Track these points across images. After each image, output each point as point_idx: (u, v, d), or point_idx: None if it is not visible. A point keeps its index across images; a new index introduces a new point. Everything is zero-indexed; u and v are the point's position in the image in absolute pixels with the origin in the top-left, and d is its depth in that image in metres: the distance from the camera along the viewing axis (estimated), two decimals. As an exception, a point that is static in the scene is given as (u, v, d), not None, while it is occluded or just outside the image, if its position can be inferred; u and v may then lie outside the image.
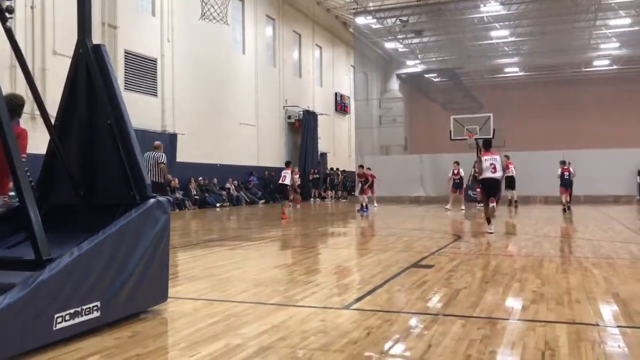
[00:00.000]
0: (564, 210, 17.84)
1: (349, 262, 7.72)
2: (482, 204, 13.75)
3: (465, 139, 25.49)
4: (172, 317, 4.30)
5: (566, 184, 18.40)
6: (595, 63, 37.58)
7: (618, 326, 3.94)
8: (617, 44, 33.97)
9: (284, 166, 17.16)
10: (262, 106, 27.03)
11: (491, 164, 10.46)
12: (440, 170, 26.78)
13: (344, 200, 28.91)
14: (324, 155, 32.81)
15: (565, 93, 38.51)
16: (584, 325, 3.96)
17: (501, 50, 36.28)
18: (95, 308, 3.67)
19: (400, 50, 36.77)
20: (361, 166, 20.58)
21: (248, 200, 24.62)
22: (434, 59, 37.99)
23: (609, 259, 7.20)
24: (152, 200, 4.28)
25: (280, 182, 16.79)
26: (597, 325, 4.00)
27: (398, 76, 39.65)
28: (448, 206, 19.38)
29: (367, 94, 37.14)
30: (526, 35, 33.51)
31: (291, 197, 17.24)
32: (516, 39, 33.88)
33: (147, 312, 4.27)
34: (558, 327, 3.87)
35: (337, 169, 32.23)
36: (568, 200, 18.44)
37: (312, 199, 28.05)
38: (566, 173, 18.44)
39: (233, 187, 24.17)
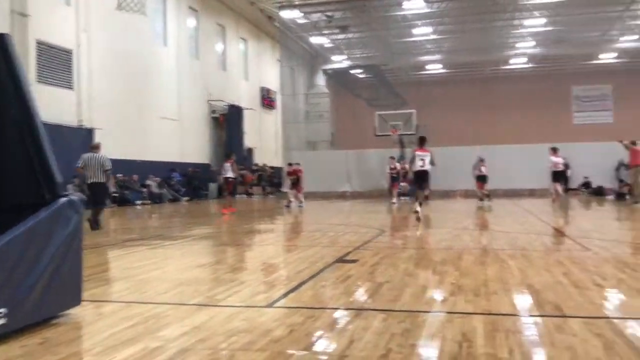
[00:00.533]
0: (481, 200, 19.60)
1: (275, 259, 7.71)
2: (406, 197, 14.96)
3: (390, 135, 26.08)
4: (87, 321, 4.14)
5: (483, 178, 19.77)
6: (512, 61, 39.36)
7: (531, 315, 4.14)
8: (532, 43, 35.73)
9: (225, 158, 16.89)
10: (184, 100, 26.48)
11: (421, 159, 12.38)
12: (366, 166, 27.25)
13: (272, 196, 28.85)
14: (250, 150, 32.59)
15: (484, 90, 40.13)
16: (500, 315, 4.13)
17: (424, 48, 37.29)
18: (1, 315, 3.47)
19: (326, 45, 37.04)
20: (290, 164, 20.67)
21: (171, 197, 24.10)
22: (359, 55, 38.53)
23: (524, 250, 7.55)
24: (63, 199, 4.09)
25: (223, 176, 16.53)
26: (512, 315, 4.18)
27: (324, 71, 39.93)
28: (393, 200, 20.21)
29: (294, 89, 37.14)
30: (447, 33, 34.58)
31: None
32: (438, 37, 34.90)
33: (60, 317, 4.09)
34: (475, 318, 4.02)
35: (265, 164, 32.07)
36: (486, 192, 19.72)
37: (237, 195, 27.75)
38: (484, 168, 19.85)
39: (155, 184, 23.56)
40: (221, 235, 10.75)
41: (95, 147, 11.50)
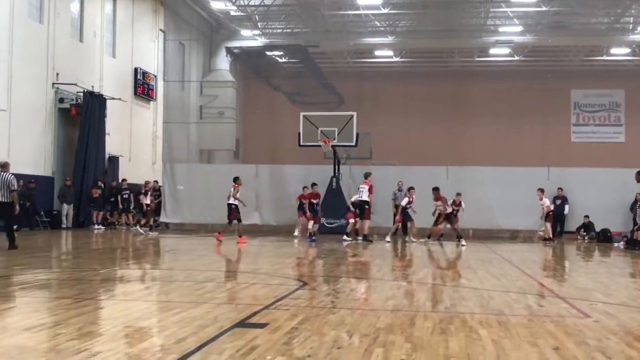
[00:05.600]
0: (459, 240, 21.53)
1: (145, 320, 7.57)
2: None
3: (320, 146, 26.24)
4: None
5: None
6: (492, 52, 40.52)
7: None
8: (519, 28, 36.85)
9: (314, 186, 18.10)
10: (18, 81, 25.71)
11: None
12: (284, 189, 27.23)
13: (143, 229, 28.04)
14: (114, 160, 31.97)
15: (452, 89, 40.85)
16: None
17: (370, 26, 37.89)
18: None
19: (233, 14, 37.06)
20: (314, 184, 22.18)
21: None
22: (279, 31, 38.75)
23: (500, 315, 7.74)
24: None
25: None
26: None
27: (229, 51, 39.92)
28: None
29: (184, 73, 36.82)
30: (404, 7, 35.29)
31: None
32: (391, 12, 35.47)
33: None
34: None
35: (149, 182, 31.09)
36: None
37: (94, 225, 27.07)
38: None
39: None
40: (65, 284, 10.44)
41: (4, 167, 15.19)
